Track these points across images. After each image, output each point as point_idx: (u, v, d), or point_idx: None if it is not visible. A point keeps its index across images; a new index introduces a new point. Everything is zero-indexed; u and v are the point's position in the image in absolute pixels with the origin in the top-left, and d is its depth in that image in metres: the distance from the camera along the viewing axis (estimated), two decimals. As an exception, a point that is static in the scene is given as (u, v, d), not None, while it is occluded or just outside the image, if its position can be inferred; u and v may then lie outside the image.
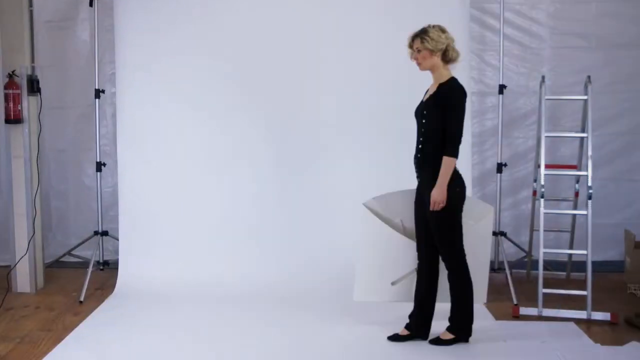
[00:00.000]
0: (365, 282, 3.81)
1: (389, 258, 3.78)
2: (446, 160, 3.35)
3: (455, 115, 3.36)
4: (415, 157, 3.55)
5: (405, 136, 4.46)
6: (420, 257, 3.62)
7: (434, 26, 3.45)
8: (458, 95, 3.41)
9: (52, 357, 3.43)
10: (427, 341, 3.58)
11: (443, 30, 3.45)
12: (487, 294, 3.78)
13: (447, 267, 3.52)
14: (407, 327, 3.65)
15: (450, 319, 3.57)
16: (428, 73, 3.53)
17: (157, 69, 4.63)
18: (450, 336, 3.55)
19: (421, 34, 3.43)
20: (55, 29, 5.17)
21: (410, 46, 3.50)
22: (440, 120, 3.38)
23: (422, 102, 3.56)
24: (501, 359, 3.44)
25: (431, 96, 3.48)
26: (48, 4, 5.11)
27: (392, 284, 3.76)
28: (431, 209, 3.37)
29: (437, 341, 3.56)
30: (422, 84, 4.31)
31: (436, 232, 3.47)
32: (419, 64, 3.50)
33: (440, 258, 3.54)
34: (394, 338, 3.63)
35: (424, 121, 3.48)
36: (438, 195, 3.34)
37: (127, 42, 4.64)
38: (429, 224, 3.48)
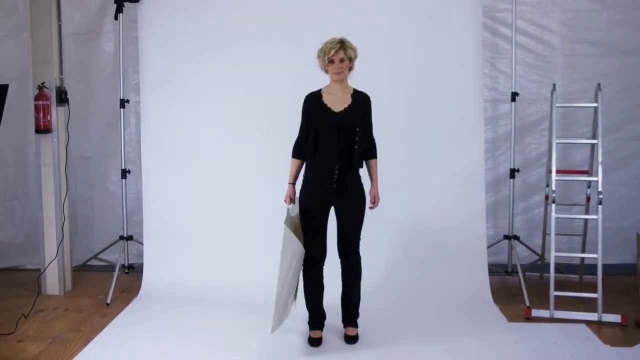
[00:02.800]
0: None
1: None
2: None
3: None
4: None
5: (411, 166, 4.63)
6: None
7: (342, 38, 3.57)
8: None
9: (83, 357, 3.59)
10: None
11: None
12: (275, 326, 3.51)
13: None
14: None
15: None
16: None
17: (180, 79, 4.79)
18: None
19: (345, 43, 3.53)
20: (80, 41, 5.33)
21: (332, 59, 3.50)
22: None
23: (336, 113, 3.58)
24: (513, 360, 3.53)
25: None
26: (74, 17, 5.27)
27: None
28: None
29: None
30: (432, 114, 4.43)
31: None
32: (340, 73, 3.54)
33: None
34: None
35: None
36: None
37: (151, 53, 4.80)
38: None
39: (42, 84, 4.54)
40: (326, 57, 3.51)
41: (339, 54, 3.50)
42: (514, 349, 3.66)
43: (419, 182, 4.74)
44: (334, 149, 3.54)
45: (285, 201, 3.66)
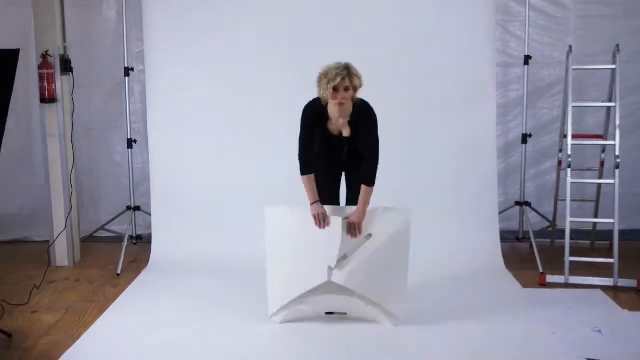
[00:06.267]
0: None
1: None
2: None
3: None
4: None
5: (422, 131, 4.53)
6: None
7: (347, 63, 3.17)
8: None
9: (100, 325, 3.60)
10: None
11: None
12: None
13: None
14: None
15: None
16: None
17: (185, 46, 4.68)
18: None
19: (351, 69, 3.13)
20: (81, 8, 5.18)
21: (337, 87, 3.08)
22: None
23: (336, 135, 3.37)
24: (530, 326, 3.49)
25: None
26: (74, -17, 5.14)
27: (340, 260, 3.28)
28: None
29: None
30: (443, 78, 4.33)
31: None
32: (343, 104, 3.13)
33: None
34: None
35: None
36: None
37: (155, 19, 4.69)
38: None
39: (46, 52, 4.44)
40: (330, 85, 3.05)
41: (344, 82, 3.07)
42: (530, 315, 3.64)
43: (430, 148, 4.69)
44: (339, 157, 3.47)
45: (318, 224, 3.28)
